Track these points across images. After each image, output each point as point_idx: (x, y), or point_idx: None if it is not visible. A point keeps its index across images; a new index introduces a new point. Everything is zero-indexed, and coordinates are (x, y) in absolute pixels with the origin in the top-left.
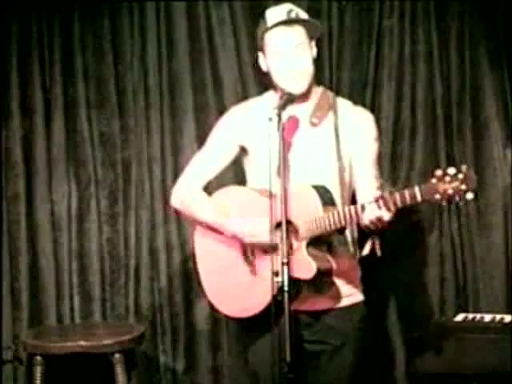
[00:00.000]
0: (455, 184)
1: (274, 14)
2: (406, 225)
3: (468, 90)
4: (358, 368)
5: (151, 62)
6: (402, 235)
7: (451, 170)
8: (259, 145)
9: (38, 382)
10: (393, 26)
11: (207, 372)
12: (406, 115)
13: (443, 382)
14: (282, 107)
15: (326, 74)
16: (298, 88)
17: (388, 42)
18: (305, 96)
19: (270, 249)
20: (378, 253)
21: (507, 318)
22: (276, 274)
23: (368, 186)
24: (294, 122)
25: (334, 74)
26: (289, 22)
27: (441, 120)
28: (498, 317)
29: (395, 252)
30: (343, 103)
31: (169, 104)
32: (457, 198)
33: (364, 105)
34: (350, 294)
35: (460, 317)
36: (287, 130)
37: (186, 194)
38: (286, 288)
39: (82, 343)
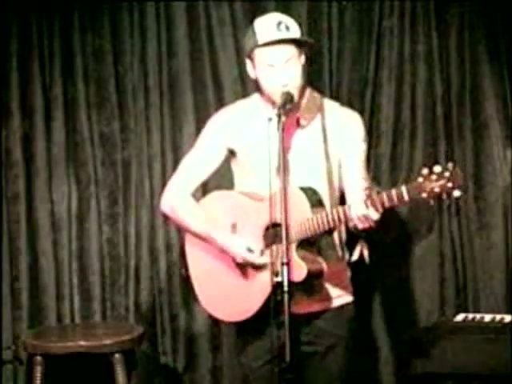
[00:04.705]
0: (442, 182)
1: (263, 26)
2: (405, 225)
3: (468, 90)
4: (350, 368)
5: (151, 62)
6: (402, 235)
7: (437, 168)
8: (248, 146)
9: (38, 381)
10: (393, 25)
11: (207, 372)
12: (406, 115)
13: (443, 382)
14: (283, 107)
15: (325, 74)
16: None
17: (388, 42)
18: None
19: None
20: (367, 260)
21: (507, 318)
22: (276, 274)
23: (356, 186)
24: (294, 120)
25: (334, 73)
26: (279, 41)
27: (441, 120)
28: (498, 317)
29: (395, 252)
30: (330, 104)
31: (169, 104)
32: (444, 196)
33: (364, 105)
34: (340, 296)
35: (460, 317)
36: (287, 130)
37: (176, 201)
38: (285, 288)
39: (82, 343)
